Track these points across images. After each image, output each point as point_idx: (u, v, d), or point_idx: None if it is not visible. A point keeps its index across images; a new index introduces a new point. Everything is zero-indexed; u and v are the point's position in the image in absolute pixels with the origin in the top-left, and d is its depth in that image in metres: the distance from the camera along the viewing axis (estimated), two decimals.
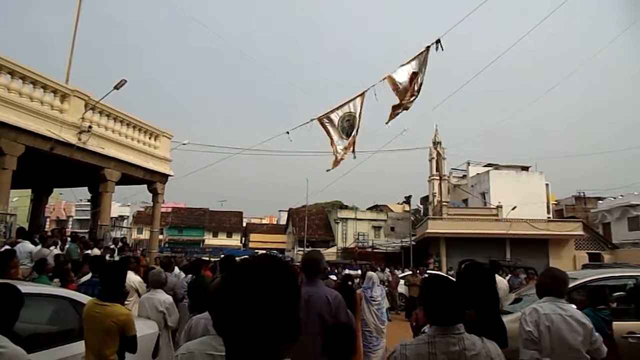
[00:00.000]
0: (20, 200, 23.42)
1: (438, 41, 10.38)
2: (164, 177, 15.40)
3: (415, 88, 10.67)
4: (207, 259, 18.82)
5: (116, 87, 11.59)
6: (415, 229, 34.10)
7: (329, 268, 17.59)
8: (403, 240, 32.27)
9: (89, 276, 5.92)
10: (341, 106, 11.07)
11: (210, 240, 54.79)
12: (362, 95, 10.97)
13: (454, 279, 3.11)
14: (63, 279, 6.49)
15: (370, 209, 48.90)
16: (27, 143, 10.13)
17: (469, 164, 40.36)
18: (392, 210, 43.92)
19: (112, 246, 11.70)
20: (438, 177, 34.53)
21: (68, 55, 13.87)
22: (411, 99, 10.75)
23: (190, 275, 7.87)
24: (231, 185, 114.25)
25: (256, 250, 41.74)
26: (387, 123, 11.00)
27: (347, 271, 15.87)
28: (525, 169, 38.06)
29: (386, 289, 11.55)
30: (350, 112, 11.05)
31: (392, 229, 35.91)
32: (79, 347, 3.71)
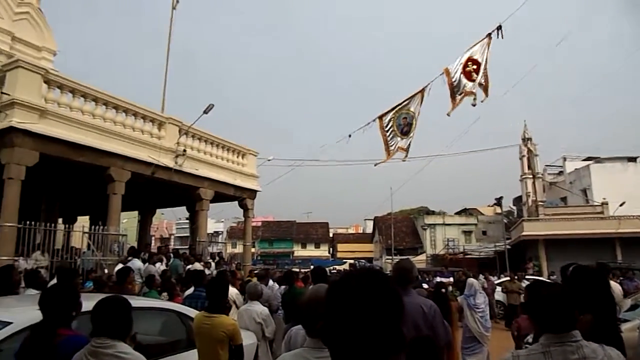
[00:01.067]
0: (128, 221, 25.72)
1: (499, 27, 9.73)
2: (253, 192, 16.10)
3: (476, 77, 10.05)
4: (298, 270, 19.25)
5: (205, 112, 12.38)
6: (509, 232, 32.18)
7: (419, 277, 17.15)
8: (496, 244, 30.55)
9: (192, 290, 6.31)
10: (400, 104, 10.55)
11: (299, 251, 56.00)
12: (421, 92, 10.43)
13: (560, 284, 2.87)
14: (170, 293, 7.00)
15: (458, 213, 47.01)
16: (132, 169, 11.16)
17: (565, 159, 37.36)
18: (482, 214, 41.89)
19: (210, 261, 12.42)
20: (531, 176, 32.30)
21: (162, 86, 15.18)
22: (473, 88, 10.09)
23: (283, 287, 8.10)
24: (315, 197, 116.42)
25: (344, 260, 41.93)
26: (448, 114, 10.32)
27: (438, 279, 15.35)
28: (633, 159, 34.35)
29: None
30: (408, 109, 10.52)
31: (484, 233, 34.22)
32: (187, 357, 3.97)
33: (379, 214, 49.54)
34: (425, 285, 11.59)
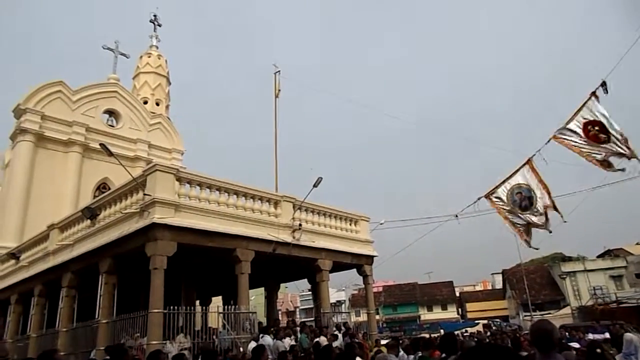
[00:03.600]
0: (256, 298, 26.91)
1: (603, 83, 9.22)
2: (370, 258, 16.03)
3: (604, 136, 9.34)
4: (428, 335, 18.20)
5: (315, 185, 12.95)
6: None
7: (567, 334, 15.14)
8: None
9: None
10: (507, 179, 10.24)
11: (425, 315, 53.28)
12: (529, 162, 10.08)
13: None
14: None
15: (601, 256, 41.48)
16: (255, 248, 11.89)
17: None
18: (631, 254, 36.58)
19: (337, 332, 12.37)
20: None
21: (274, 167, 16.36)
22: (616, 148, 9.30)
23: (412, 356, 7.72)
24: (435, 255, 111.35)
25: (476, 321, 38.79)
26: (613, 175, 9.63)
27: (590, 336, 13.42)
28: None
29: None
30: (519, 184, 10.13)
31: (638, 275, 29.57)
32: None
33: (506, 266, 45.73)
34: (576, 345, 10.16)
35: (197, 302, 18.05)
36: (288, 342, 10.75)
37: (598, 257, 41.38)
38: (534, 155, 10.00)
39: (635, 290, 31.51)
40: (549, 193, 10.03)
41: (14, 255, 17.11)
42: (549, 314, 33.94)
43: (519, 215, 10.07)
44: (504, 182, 10.30)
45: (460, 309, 54.36)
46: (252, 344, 9.26)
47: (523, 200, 10.06)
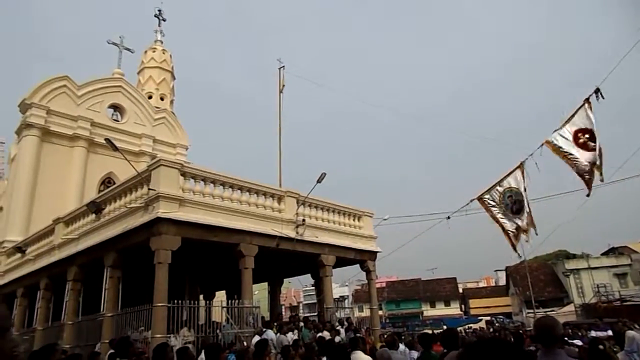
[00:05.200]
0: (259, 293, 26.99)
1: (597, 90, 9.25)
2: (373, 254, 16.06)
3: (592, 144, 9.41)
4: (431, 331, 18.25)
5: (318, 181, 12.97)
6: None
7: (570, 331, 15.14)
8: None
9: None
10: (500, 182, 10.24)
11: (428, 311, 53.33)
12: (520, 166, 10.09)
13: None
14: None
15: (605, 253, 41.31)
16: (259, 243, 11.94)
17: None
18: (635, 251, 36.40)
19: (339, 327, 12.42)
20: None
21: (277, 162, 16.40)
22: (596, 161, 9.40)
23: (414, 351, 7.77)
24: (438, 251, 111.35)
25: (479, 317, 38.80)
26: (587, 195, 9.71)
27: (593, 333, 13.41)
28: None
29: None
30: (511, 187, 10.14)
31: None
32: None
33: (510, 263, 45.64)
34: (578, 342, 10.16)
35: (201, 297, 18.16)
36: (291, 336, 10.81)
37: (602, 254, 41.23)
38: (526, 159, 10.04)
39: (639, 288, 31.39)
40: (528, 203, 10.10)
41: (20, 249, 17.25)
42: (552, 311, 33.87)
43: (511, 218, 10.09)
44: (496, 184, 10.31)
45: (463, 306, 54.36)
46: (256, 338, 9.32)
47: (514, 204, 10.10)
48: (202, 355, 6.19)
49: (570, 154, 9.55)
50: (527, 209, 10.02)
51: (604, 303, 31.72)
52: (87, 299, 12.92)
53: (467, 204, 10.61)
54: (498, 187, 10.27)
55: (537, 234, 10.12)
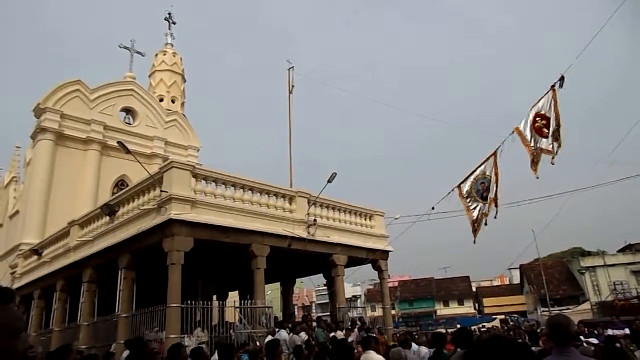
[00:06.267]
0: (272, 293, 27.08)
1: (562, 79, 9.49)
2: (385, 253, 16.00)
3: (547, 131, 9.64)
4: (445, 331, 18.13)
5: (329, 181, 12.97)
6: None
7: (586, 330, 14.94)
8: None
9: None
10: (477, 169, 10.45)
11: (442, 310, 52.96)
12: (494, 154, 10.24)
13: None
14: None
15: (622, 250, 40.62)
16: (271, 244, 11.98)
17: None
18: None
19: (351, 327, 12.41)
20: None
21: (289, 163, 16.43)
22: (550, 147, 9.63)
23: (425, 350, 7.74)
24: (450, 249, 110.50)
25: (493, 317, 38.47)
26: (537, 178, 9.93)
27: (610, 332, 13.22)
28: None
29: None
30: (485, 174, 10.33)
31: None
32: None
33: (524, 261, 45.14)
34: (594, 341, 10.02)
35: (215, 297, 18.29)
36: (304, 336, 10.82)
37: (619, 251, 40.54)
38: (499, 147, 10.17)
39: None
40: (497, 186, 10.18)
41: (36, 251, 17.53)
42: (568, 309, 33.45)
43: (479, 203, 10.30)
44: (472, 173, 10.52)
45: (477, 305, 53.89)
46: (269, 339, 9.36)
47: (485, 191, 10.29)
48: (216, 355, 6.23)
49: (530, 141, 9.82)
50: (493, 194, 10.20)
51: (621, 301, 31.22)
52: (103, 300, 13.08)
53: (449, 193, 10.75)
54: (472, 177, 10.52)
55: (495, 218, 10.28)
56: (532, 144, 9.80)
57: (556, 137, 9.79)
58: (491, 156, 10.41)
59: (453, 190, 10.67)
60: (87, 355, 7.87)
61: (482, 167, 10.48)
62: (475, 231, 10.32)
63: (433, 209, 11.55)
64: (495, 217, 10.28)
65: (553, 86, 9.76)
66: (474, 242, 10.57)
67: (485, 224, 10.26)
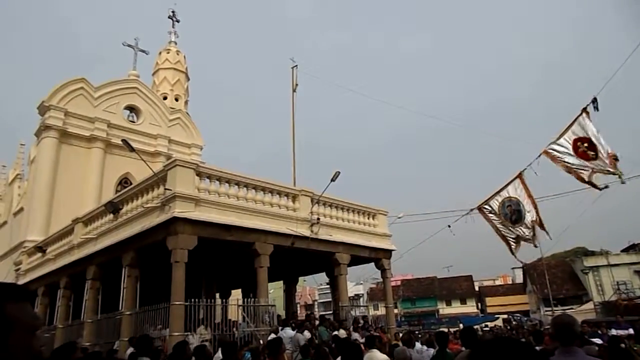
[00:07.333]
0: (275, 291, 27.08)
1: (594, 100, 9.31)
2: (388, 252, 16.00)
3: (592, 154, 9.43)
4: (447, 330, 18.13)
5: (332, 180, 12.96)
6: None
7: (589, 329, 14.87)
8: None
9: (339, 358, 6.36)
10: (499, 191, 10.40)
11: (444, 309, 52.97)
12: (519, 176, 10.20)
13: None
14: None
15: (626, 250, 40.47)
16: (274, 242, 11.98)
17: None
18: None
19: (353, 325, 12.41)
20: None
21: (291, 162, 16.43)
22: (602, 166, 9.42)
23: (427, 348, 7.74)
24: (454, 249, 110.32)
25: (496, 316, 38.46)
26: (601, 189, 9.76)
27: (613, 332, 13.16)
28: None
29: None
30: (510, 197, 10.25)
31: None
32: None
33: (527, 260, 45.03)
34: (597, 341, 9.99)
35: (217, 295, 18.31)
36: (307, 335, 10.84)
37: (622, 251, 40.41)
38: (525, 169, 10.11)
39: None
40: (536, 208, 10.16)
41: (40, 248, 17.60)
42: (571, 309, 33.37)
43: (510, 228, 10.24)
44: (495, 194, 10.45)
45: (479, 304, 53.85)
46: (272, 337, 9.37)
47: (513, 214, 10.23)
48: (219, 353, 6.25)
49: (569, 163, 9.65)
50: (531, 218, 10.10)
51: (625, 301, 31.09)
52: (106, 298, 13.13)
53: (467, 212, 10.83)
54: (497, 197, 10.45)
55: (550, 238, 10.28)
56: (579, 168, 9.61)
57: (589, 157, 9.57)
58: (515, 178, 10.35)
59: (472, 210, 10.72)
60: (90, 352, 7.89)
61: (507, 190, 10.42)
62: (513, 253, 10.33)
63: (449, 226, 11.66)
64: (550, 238, 10.27)
65: (584, 108, 9.63)
66: (515, 257, 10.72)
67: (535, 246, 10.32)
